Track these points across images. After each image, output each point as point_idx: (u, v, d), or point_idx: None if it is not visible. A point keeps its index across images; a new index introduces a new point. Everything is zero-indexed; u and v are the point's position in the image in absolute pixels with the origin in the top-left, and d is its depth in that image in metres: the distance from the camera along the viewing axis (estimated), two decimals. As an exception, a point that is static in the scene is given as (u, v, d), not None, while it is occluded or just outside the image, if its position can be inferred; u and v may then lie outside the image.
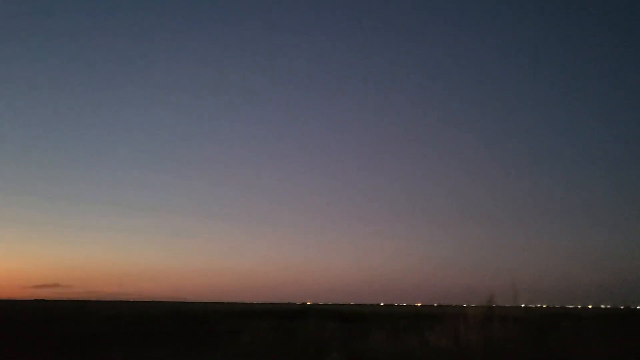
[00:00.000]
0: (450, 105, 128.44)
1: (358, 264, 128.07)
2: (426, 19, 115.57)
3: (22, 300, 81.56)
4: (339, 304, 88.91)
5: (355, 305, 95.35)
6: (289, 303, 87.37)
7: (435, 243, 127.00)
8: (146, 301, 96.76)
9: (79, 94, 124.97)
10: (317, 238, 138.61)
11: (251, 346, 15.16)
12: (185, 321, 28.43)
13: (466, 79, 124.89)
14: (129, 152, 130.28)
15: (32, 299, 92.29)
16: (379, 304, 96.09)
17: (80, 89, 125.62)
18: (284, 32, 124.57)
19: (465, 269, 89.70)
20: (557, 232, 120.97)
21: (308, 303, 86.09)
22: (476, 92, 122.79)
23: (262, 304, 78.05)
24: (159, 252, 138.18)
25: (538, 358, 9.43)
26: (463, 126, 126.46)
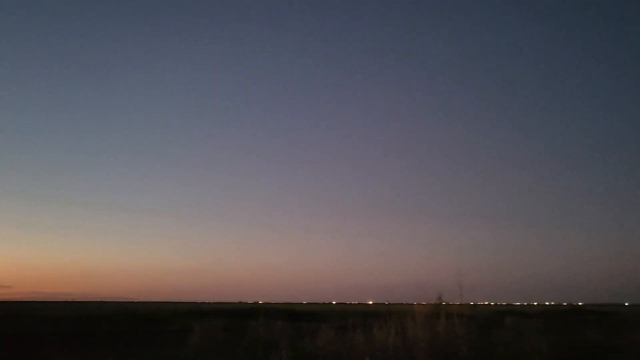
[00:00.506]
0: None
1: (310, 263, 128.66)
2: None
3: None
4: (291, 303, 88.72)
5: (308, 304, 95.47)
6: (240, 302, 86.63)
7: (385, 241, 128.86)
8: (92, 301, 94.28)
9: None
10: (270, 237, 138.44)
11: (200, 346, 14.97)
12: (132, 321, 27.85)
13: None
14: (74, 151, 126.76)
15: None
16: (331, 303, 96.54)
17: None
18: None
19: (413, 266, 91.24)
20: (504, 231, 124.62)
21: (260, 302, 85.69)
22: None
23: (213, 303, 77.10)
24: (106, 252, 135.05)
25: (480, 353, 9.67)
26: (408, 122, 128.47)
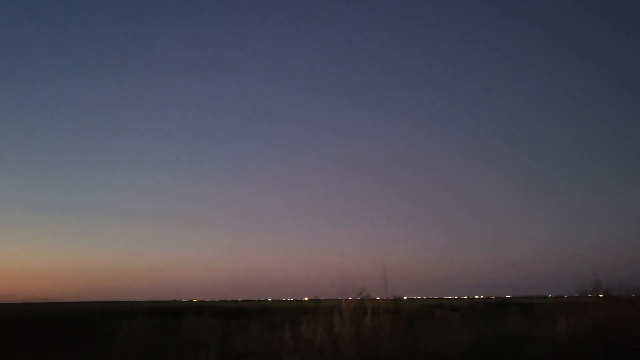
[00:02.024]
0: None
1: (244, 260, 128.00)
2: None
3: None
4: (225, 301, 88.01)
5: (243, 301, 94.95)
6: (174, 301, 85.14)
7: (315, 238, 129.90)
8: (17, 303, 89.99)
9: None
10: (204, 235, 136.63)
11: (128, 346, 14.64)
12: (57, 323, 26.79)
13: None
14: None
15: None
16: (266, 300, 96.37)
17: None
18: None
19: (341, 262, 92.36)
20: (433, 225, 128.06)
21: (194, 300, 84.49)
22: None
23: (145, 302, 75.30)
24: (28, 251, 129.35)
25: (404, 346, 9.91)
26: (333, 118, 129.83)
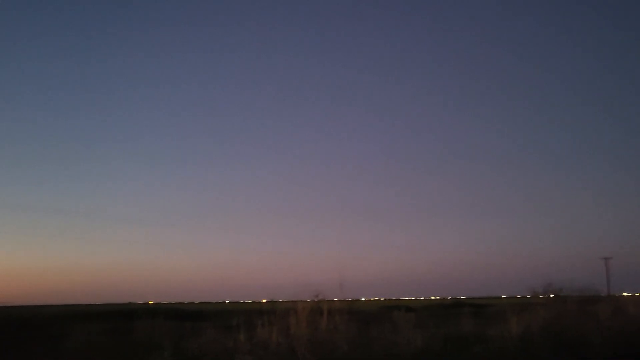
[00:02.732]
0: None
1: (202, 262, 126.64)
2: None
3: None
4: (183, 303, 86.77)
5: (200, 303, 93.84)
6: (129, 303, 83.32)
7: (272, 240, 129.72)
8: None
9: None
10: (161, 236, 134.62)
11: (79, 350, 14.29)
12: (4, 327, 25.85)
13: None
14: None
15: None
16: (223, 302, 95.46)
17: None
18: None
19: (299, 265, 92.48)
20: (388, 227, 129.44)
21: (150, 302, 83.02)
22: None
23: (98, 305, 73.61)
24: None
25: (358, 347, 10.02)
26: (288, 122, 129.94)
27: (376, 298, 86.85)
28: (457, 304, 51.27)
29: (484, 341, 13.93)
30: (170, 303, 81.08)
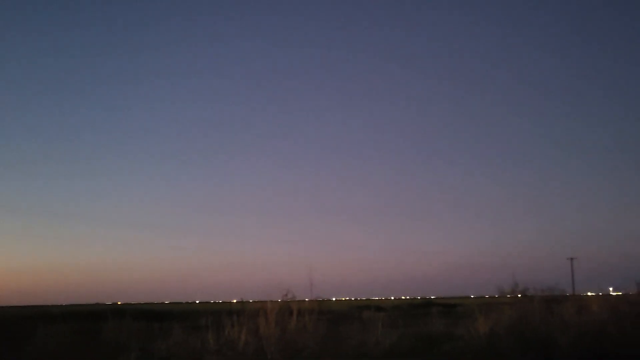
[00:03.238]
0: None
1: (171, 262, 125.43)
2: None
3: None
4: (152, 303, 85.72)
5: (169, 303, 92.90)
6: (97, 304, 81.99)
7: (242, 240, 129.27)
8: None
9: None
10: (130, 236, 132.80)
11: (44, 352, 14.01)
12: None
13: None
14: None
15: None
16: (193, 302, 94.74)
17: None
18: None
19: (269, 265, 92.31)
20: (360, 227, 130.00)
21: (119, 303, 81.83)
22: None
23: (65, 305, 72.25)
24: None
25: (327, 346, 10.05)
26: (260, 119, 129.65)
27: (347, 298, 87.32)
28: (427, 303, 51.88)
29: (452, 340, 14.13)
30: (139, 303, 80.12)
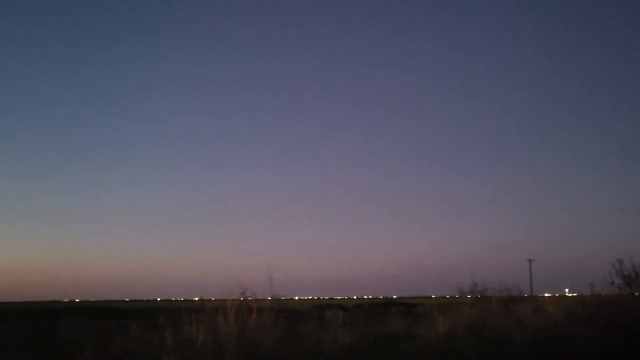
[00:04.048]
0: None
1: (131, 260, 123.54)
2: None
3: None
4: (112, 301, 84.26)
5: (130, 301, 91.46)
6: (54, 301, 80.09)
7: (203, 237, 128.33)
8: None
9: None
10: (90, 232, 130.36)
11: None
12: None
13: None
14: None
15: None
16: (155, 300, 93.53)
17: None
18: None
19: (228, 262, 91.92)
20: (324, 227, 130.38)
21: (77, 300, 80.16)
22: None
23: (19, 302, 70.36)
24: None
25: (285, 345, 10.05)
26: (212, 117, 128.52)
27: (310, 297, 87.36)
28: (388, 303, 52.35)
29: (411, 339, 14.29)
30: (98, 301, 78.69)
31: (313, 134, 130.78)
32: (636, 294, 20.54)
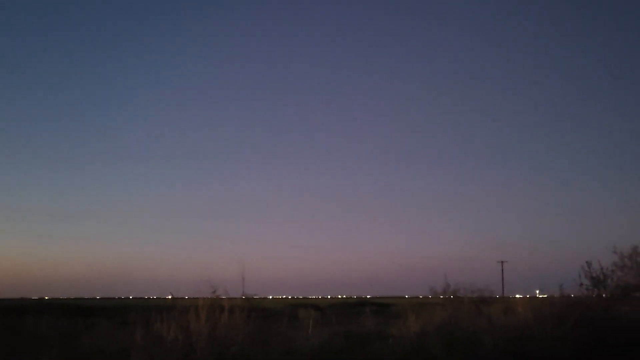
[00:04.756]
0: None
1: (103, 257, 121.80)
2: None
3: None
4: (83, 298, 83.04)
5: (102, 299, 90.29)
6: (21, 298, 78.60)
7: (176, 235, 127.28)
8: None
9: None
10: (61, 229, 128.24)
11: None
12: None
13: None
14: None
15: None
16: (127, 297, 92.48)
17: None
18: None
19: (201, 261, 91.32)
20: (300, 226, 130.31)
21: (46, 298, 78.77)
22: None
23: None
24: None
25: (255, 343, 10.00)
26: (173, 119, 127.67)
27: (285, 297, 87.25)
28: (361, 303, 52.47)
29: (383, 338, 14.35)
30: (69, 298, 77.36)
31: (284, 134, 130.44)
32: (603, 295, 20.96)
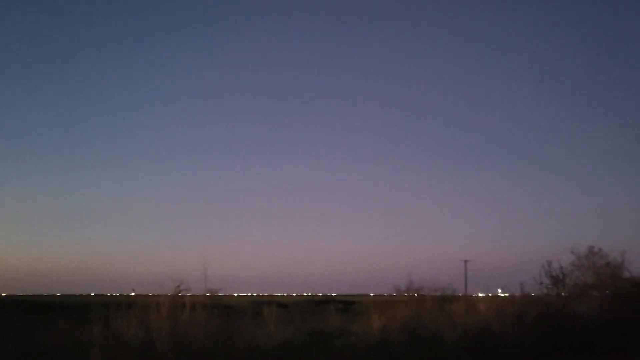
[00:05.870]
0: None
1: (63, 253, 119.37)
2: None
3: None
4: (42, 295, 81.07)
5: (62, 295, 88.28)
6: (-22, 295, 76.25)
7: (139, 231, 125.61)
8: None
9: None
10: (20, 225, 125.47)
11: None
12: None
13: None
14: None
15: None
16: (89, 294, 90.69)
17: None
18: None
19: (162, 257, 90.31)
20: (266, 223, 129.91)
21: (2, 295, 76.66)
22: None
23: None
24: None
25: (217, 340, 9.92)
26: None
27: (250, 294, 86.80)
28: (326, 300, 52.55)
29: (346, 335, 14.42)
30: (27, 295, 75.47)
31: (247, 129, 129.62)
32: (562, 294, 21.52)
